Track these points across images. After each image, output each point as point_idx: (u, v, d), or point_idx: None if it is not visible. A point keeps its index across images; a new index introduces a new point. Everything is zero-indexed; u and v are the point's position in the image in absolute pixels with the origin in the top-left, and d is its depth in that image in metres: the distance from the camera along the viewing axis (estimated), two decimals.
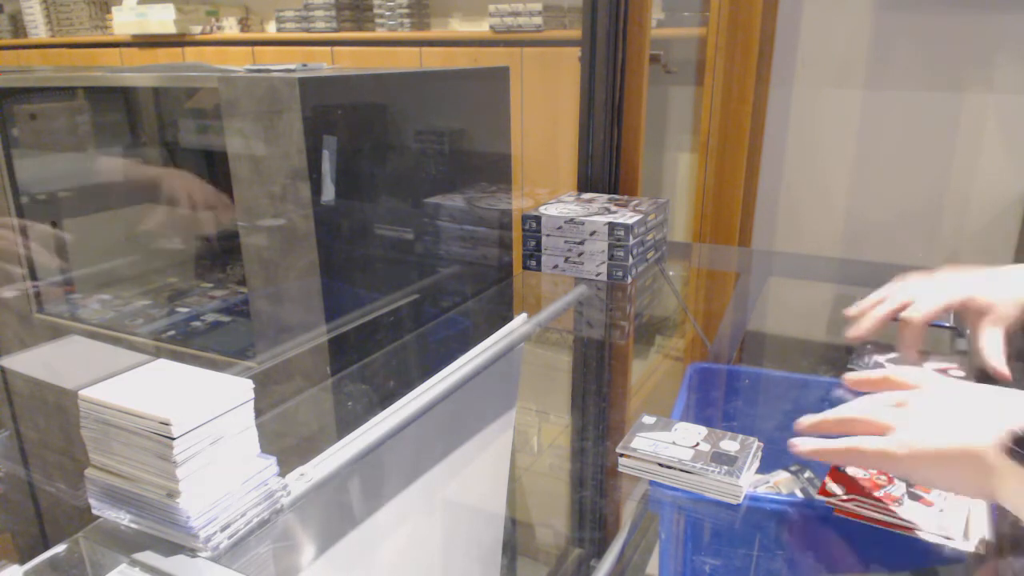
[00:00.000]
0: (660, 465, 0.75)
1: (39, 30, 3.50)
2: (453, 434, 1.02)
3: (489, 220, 1.54)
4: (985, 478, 0.58)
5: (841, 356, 1.01)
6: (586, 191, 1.56)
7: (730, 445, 0.77)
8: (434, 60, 2.31)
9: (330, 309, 1.22)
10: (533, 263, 1.37)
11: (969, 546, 0.65)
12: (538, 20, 2.08)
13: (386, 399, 0.88)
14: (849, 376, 0.77)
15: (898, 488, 0.71)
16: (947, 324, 1.11)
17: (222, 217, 1.69)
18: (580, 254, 1.33)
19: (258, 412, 0.64)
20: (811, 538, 0.76)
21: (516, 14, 2.11)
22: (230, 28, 2.99)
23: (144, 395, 0.59)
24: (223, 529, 0.60)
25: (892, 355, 0.99)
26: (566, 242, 1.33)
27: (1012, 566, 0.65)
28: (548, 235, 1.34)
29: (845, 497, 0.70)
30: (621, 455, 0.77)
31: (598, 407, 1.39)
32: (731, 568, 0.80)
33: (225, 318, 1.70)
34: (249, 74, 1.20)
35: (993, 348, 0.85)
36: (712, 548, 0.81)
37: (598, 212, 1.35)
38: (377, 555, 0.88)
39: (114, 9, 3.03)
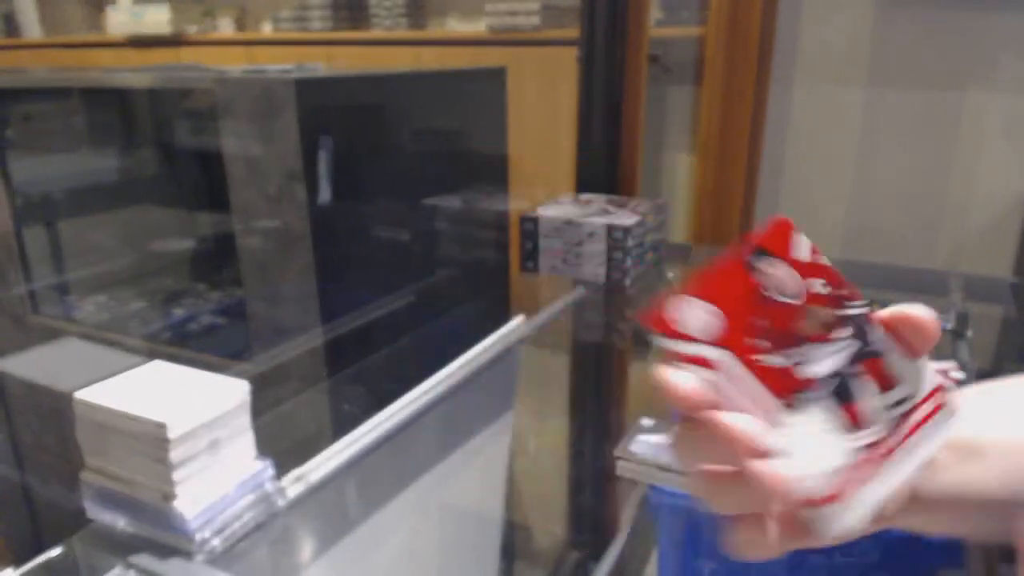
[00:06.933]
0: (659, 468, 0.75)
1: (33, 30, 3.49)
2: (450, 437, 1.02)
3: (486, 221, 1.54)
4: None
5: None
6: (584, 192, 1.55)
7: None
8: (432, 60, 2.31)
9: (326, 311, 1.22)
10: (531, 265, 1.36)
11: None
12: (536, 19, 2.07)
13: (383, 402, 0.88)
14: None
15: None
16: (947, 326, 1.10)
17: None
18: (578, 256, 1.32)
19: (254, 414, 0.64)
20: None
21: (513, 13, 2.10)
22: (226, 28, 2.98)
23: (140, 397, 0.58)
24: (219, 532, 0.60)
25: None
26: (564, 244, 1.32)
27: None
28: (546, 237, 1.34)
29: None
30: (619, 458, 0.77)
31: (596, 410, 1.38)
32: (730, 570, 0.79)
33: (221, 320, 1.69)
34: (245, 75, 1.19)
35: None
36: (711, 551, 0.81)
37: (596, 213, 1.35)
38: (374, 559, 0.87)
39: (108, 9, 3.02)
